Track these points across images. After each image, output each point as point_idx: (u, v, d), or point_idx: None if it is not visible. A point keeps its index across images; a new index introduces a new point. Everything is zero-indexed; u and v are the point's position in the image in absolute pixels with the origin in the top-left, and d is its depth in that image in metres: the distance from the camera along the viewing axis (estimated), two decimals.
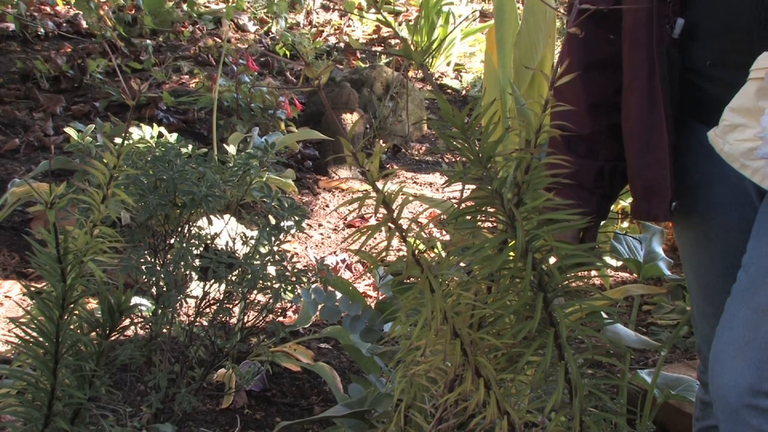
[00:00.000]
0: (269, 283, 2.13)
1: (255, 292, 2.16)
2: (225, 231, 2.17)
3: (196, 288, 2.20)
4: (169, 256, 2.16)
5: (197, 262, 2.11)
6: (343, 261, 3.71)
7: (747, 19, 1.52)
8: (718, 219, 1.67)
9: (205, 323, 2.22)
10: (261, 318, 2.24)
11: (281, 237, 2.16)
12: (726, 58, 1.57)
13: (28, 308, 1.60)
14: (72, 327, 1.61)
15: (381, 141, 5.13)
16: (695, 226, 1.72)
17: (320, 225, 4.21)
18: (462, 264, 1.31)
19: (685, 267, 1.83)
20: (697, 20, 1.58)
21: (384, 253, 1.25)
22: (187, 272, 2.13)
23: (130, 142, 1.83)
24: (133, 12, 6.15)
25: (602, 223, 1.86)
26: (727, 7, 1.55)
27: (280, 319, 2.28)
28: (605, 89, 1.74)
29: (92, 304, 2.15)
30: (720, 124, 1.41)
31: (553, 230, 1.26)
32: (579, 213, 1.67)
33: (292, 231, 2.17)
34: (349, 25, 6.97)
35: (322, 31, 6.77)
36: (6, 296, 3.19)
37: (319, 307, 2.31)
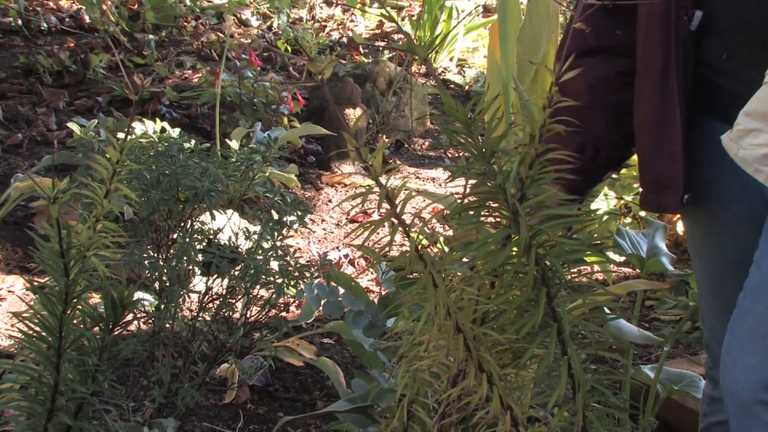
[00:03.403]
0: (272, 278, 2.13)
1: (258, 287, 2.16)
2: (228, 226, 2.17)
3: (198, 283, 2.20)
4: (171, 251, 2.16)
5: (200, 257, 2.11)
6: (346, 256, 3.71)
7: (756, 16, 1.52)
8: (728, 214, 1.67)
9: (208, 318, 2.22)
10: (264, 313, 2.24)
11: (284, 232, 2.16)
12: (739, 53, 1.57)
13: (31, 303, 1.60)
14: (75, 322, 1.61)
15: (384, 136, 5.13)
16: (705, 220, 1.72)
17: (323, 220, 4.21)
18: (465, 259, 1.31)
19: (693, 261, 1.82)
20: (713, 13, 1.57)
21: (387, 249, 1.25)
22: (190, 267, 2.13)
23: (133, 137, 1.82)
24: (135, 7, 6.15)
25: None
26: (739, 2, 1.55)
27: (283, 314, 2.27)
28: (605, 71, 1.73)
29: (95, 298, 2.16)
30: (734, 129, 1.40)
31: (560, 225, 1.26)
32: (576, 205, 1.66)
33: (295, 226, 2.17)
34: (351, 20, 6.97)
35: (325, 26, 6.76)
36: (9, 291, 3.20)
37: (322, 302, 2.31)
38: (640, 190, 1.76)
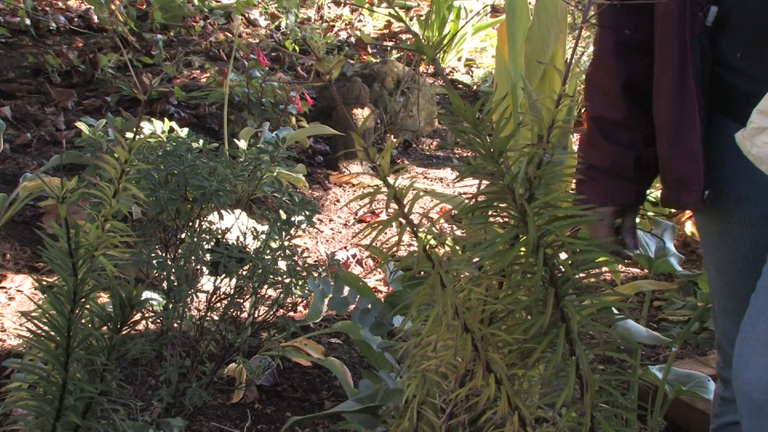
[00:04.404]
0: (280, 278, 2.13)
1: (265, 286, 2.16)
2: (236, 226, 2.17)
3: (206, 282, 2.20)
4: (179, 250, 2.16)
5: (208, 256, 2.11)
6: (354, 256, 3.71)
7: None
8: (743, 214, 1.66)
9: (216, 318, 2.22)
10: (271, 313, 2.24)
11: (292, 232, 2.16)
12: (753, 51, 1.57)
13: (40, 302, 1.60)
14: (83, 321, 1.61)
15: (392, 136, 5.13)
16: (719, 220, 1.71)
17: (331, 220, 4.21)
18: (473, 259, 1.31)
19: (706, 262, 1.81)
20: (728, 10, 1.57)
21: (395, 249, 1.25)
22: (198, 267, 2.13)
23: (141, 136, 1.83)
24: (144, 7, 6.16)
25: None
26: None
27: (291, 314, 2.27)
28: (637, 70, 1.74)
29: (103, 298, 2.16)
30: (748, 127, 1.40)
31: (568, 226, 1.25)
32: (592, 206, 1.66)
33: (303, 226, 2.17)
34: (360, 20, 6.97)
35: (333, 26, 6.77)
36: (18, 290, 3.20)
37: (327, 297, 2.31)
38: (660, 187, 1.76)
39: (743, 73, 1.59)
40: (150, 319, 2.10)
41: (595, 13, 1.25)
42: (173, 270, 2.07)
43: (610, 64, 1.73)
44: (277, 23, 6.51)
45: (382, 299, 2.26)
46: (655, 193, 3.58)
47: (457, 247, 1.30)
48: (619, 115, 1.74)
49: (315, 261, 2.21)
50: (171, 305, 2.10)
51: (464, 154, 5.18)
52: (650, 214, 3.64)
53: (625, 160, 1.75)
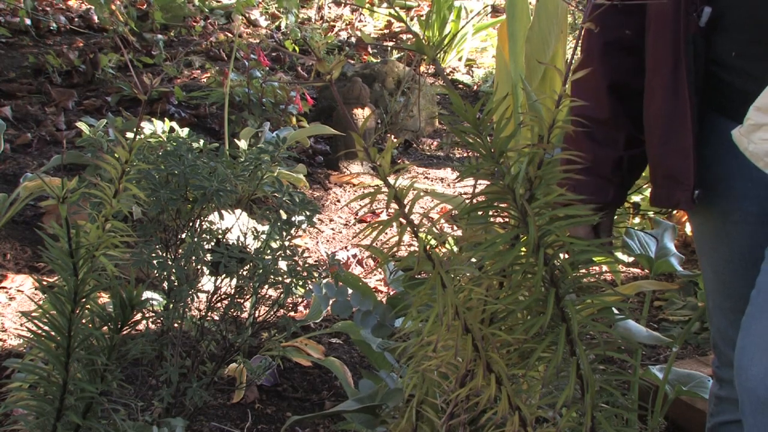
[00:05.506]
0: (280, 278, 2.13)
1: (266, 286, 2.16)
2: (236, 226, 2.17)
3: (207, 283, 2.20)
4: (180, 250, 2.16)
5: (208, 256, 2.11)
6: (354, 256, 3.71)
7: (765, 13, 1.52)
8: (738, 212, 1.66)
9: (217, 318, 2.22)
10: (272, 313, 2.24)
11: (292, 232, 2.16)
12: (749, 50, 1.57)
13: (40, 302, 1.60)
14: (84, 321, 1.61)
15: (392, 136, 5.13)
16: (715, 219, 1.71)
17: (331, 220, 4.21)
18: (474, 259, 1.31)
19: (701, 261, 1.81)
20: (723, 10, 1.57)
21: (395, 249, 1.25)
22: (199, 267, 2.13)
23: (142, 136, 1.83)
24: (144, 7, 6.16)
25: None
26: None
27: (291, 314, 2.27)
28: (623, 70, 1.74)
29: (104, 298, 2.16)
30: (745, 123, 1.40)
31: (567, 225, 1.25)
32: (592, 206, 1.66)
33: (303, 226, 2.17)
34: (360, 20, 6.97)
35: (334, 26, 6.77)
36: (18, 290, 3.20)
37: (331, 301, 2.31)
38: (650, 187, 1.76)
39: (741, 72, 1.59)
40: (150, 319, 2.10)
41: (596, 13, 1.25)
42: (174, 270, 2.07)
43: (597, 64, 1.73)
44: (277, 23, 6.51)
45: (383, 300, 2.26)
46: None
47: (457, 248, 1.30)
48: (603, 115, 1.75)
49: (315, 261, 2.21)
50: (171, 305, 2.10)
51: (465, 154, 5.19)
52: (651, 214, 3.64)
53: (605, 160, 1.76)
